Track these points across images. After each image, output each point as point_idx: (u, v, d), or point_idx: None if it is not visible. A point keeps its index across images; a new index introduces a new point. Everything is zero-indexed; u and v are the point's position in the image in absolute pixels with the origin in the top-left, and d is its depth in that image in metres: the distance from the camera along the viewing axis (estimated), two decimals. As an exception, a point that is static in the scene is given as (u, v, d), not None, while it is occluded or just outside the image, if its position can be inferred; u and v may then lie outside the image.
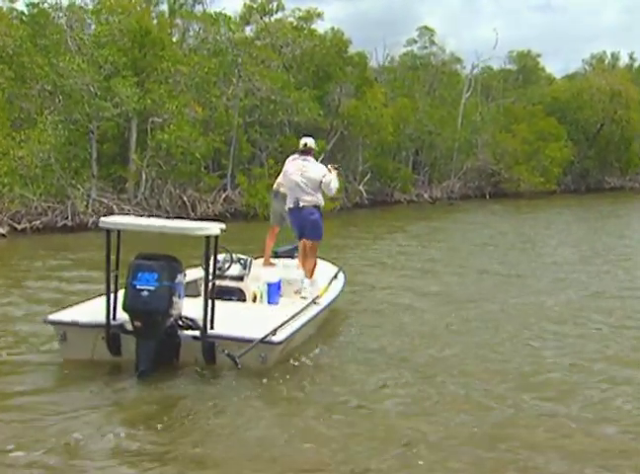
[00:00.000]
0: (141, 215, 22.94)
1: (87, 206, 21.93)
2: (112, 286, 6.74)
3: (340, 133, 30.44)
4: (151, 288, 6.34)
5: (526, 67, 51.73)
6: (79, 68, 21.12)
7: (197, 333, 6.68)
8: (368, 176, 32.84)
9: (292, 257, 10.01)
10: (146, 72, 23.54)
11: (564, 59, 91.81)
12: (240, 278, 8.36)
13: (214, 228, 6.63)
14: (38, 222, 20.79)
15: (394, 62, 41.47)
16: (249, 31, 30.42)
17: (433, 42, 39.94)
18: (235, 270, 8.33)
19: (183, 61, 23.98)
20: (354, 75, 30.73)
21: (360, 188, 32.29)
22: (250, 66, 26.09)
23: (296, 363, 7.28)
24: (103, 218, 6.91)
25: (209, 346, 6.68)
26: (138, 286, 6.37)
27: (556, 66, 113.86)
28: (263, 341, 6.54)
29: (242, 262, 8.45)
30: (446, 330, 9.06)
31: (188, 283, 7.36)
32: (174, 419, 5.92)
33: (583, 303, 10.76)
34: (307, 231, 8.95)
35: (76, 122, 22.00)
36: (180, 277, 6.62)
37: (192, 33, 29.78)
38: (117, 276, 6.78)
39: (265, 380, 6.70)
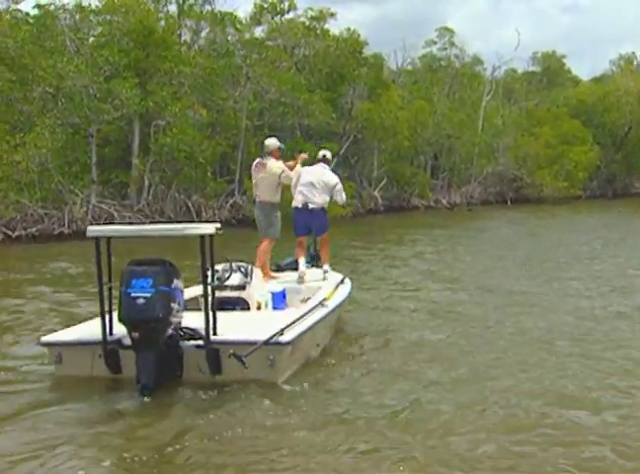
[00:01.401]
0: (143, 222, 22.15)
1: (86, 213, 21.11)
2: (106, 300, 6.38)
3: (353, 137, 29.41)
4: (147, 295, 5.98)
5: (551, 69, 50.41)
6: (77, 69, 20.30)
7: (200, 342, 6.31)
8: (384, 181, 31.80)
9: (296, 269, 9.45)
10: (149, 73, 22.72)
11: (591, 61, 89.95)
12: (242, 287, 7.89)
13: (209, 227, 6.18)
14: (33, 230, 20.00)
15: (413, 64, 40.44)
16: (260, 31, 29.50)
17: (452, 44, 38.84)
18: (236, 279, 7.85)
19: (187, 62, 23.08)
20: (368, 77, 29.70)
21: (375, 193, 31.26)
22: (258, 67, 25.12)
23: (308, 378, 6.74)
24: (90, 227, 6.54)
25: (214, 353, 6.27)
26: (133, 294, 5.98)
27: (583, 68, 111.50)
28: (270, 342, 6.17)
29: (243, 270, 7.96)
30: (455, 347, 8.06)
31: (188, 300, 7.01)
32: (179, 438, 5.46)
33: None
34: (315, 229, 9.46)
35: (75, 126, 21.16)
36: (177, 282, 6.23)
37: (204, 33, 28.91)
38: (110, 289, 6.41)
39: (275, 393, 6.25)
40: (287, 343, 6.34)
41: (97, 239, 6.29)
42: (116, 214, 21.85)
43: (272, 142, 9.35)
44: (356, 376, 6.92)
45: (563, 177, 38.34)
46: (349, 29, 30.77)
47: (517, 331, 8.76)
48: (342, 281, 8.80)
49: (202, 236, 6.14)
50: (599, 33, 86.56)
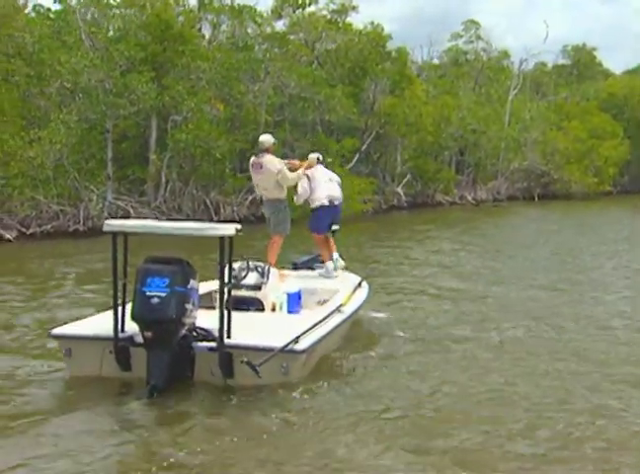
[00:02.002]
0: (160, 220, 21.89)
1: (102, 210, 20.83)
2: (120, 295, 6.29)
3: (376, 133, 28.84)
4: (162, 295, 5.87)
5: (581, 62, 49.34)
6: (91, 64, 20.00)
7: (212, 344, 6.16)
8: (408, 177, 31.23)
9: (312, 268, 9.60)
10: (165, 68, 22.36)
11: (626, 54, 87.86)
12: (258, 288, 7.80)
13: (229, 228, 6.08)
14: (48, 227, 19.76)
15: (440, 59, 39.77)
16: (281, 25, 29.05)
17: (479, 37, 38.08)
18: (252, 278, 7.76)
19: (204, 56, 22.69)
20: (392, 71, 29.12)
21: (399, 189, 30.69)
22: (278, 61, 24.67)
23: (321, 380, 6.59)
24: (107, 221, 6.44)
25: (227, 357, 6.14)
26: (147, 293, 5.88)
27: (618, 62, 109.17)
28: (284, 350, 6.04)
29: (259, 269, 7.86)
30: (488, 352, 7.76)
31: (202, 295, 6.84)
32: (188, 439, 5.36)
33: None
34: (337, 223, 9.80)
35: (91, 121, 20.89)
36: (193, 283, 6.12)
37: (223, 27, 28.51)
38: (124, 285, 6.30)
39: (287, 397, 6.13)
40: (302, 351, 6.21)
41: (114, 234, 6.17)
42: (132, 211, 21.52)
43: (266, 139, 9.24)
44: (369, 375, 6.74)
45: (592, 172, 37.51)
46: (372, 22, 30.31)
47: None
48: (359, 285, 8.58)
49: (222, 237, 6.02)
50: (634, 25, 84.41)
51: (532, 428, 5.58)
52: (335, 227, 9.89)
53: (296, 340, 6.18)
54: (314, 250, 10.27)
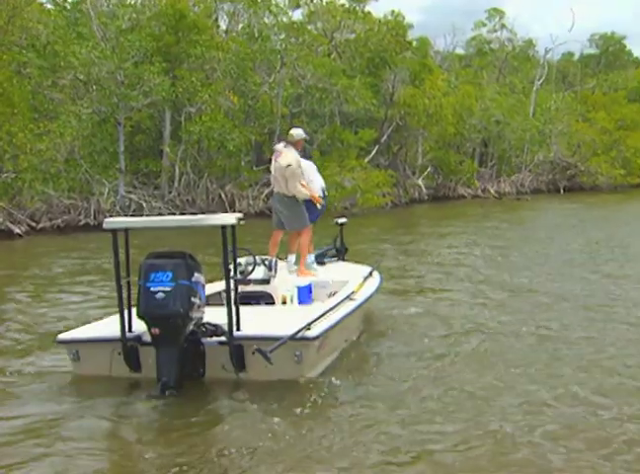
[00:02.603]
0: (173, 213, 21.51)
1: (114, 203, 20.50)
2: (125, 294, 6.18)
3: (396, 124, 28.23)
4: (166, 289, 5.74)
5: (609, 51, 48.18)
6: (102, 55, 19.63)
7: (222, 338, 6.02)
8: (429, 169, 30.59)
9: (323, 262, 9.27)
10: (179, 59, 21.94)
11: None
12: (266, 281, 7.70)
13: (230, 218, 5.92)
14: (59, 221, 19.46)
15: (466, 49, 38.95)
16: (298, 14, 28.52)
17: (503, 26, 37.22)
18: (260, 272, 7.64)
19: (219, 47, 22.23)
20: (412, 61, 28.48)
21: (419, 182, 30.07)
22: (294, 52, 24.15)
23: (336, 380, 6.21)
24: (107, 219, 6.28)
25: (238, 349, 5.99)
26: (152, 288, 5.75)
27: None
28: (296, 336, 5.87)
29: (267, 263, 7.76)
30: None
31: (212, 295, 6.82)
32: (200, 437, 5.19)
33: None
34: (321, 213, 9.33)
35: (103, 113, 20.55)
36: (197, 276, 5.93)
37: (240, 18, 28.04)
38: (128, 283, 6.20)
39: (302, 396, 5.81)
40: (315, 337, 6.02)
41: (114, 231, 6.04)
42: (145, 205, 21.19)
43: (296, 132, 8.89)
44: (386, 372, 6.45)
45: (620, 164, 36.54)
46: (393, 11, 29.70)
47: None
48: (370, 274, 8.33)
49: (224, 227, 5.85)
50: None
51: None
52: (343, 220, 9.68)
53: (308, 326, 6.02)
54: (323, 244, 9.98)
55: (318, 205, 8.94)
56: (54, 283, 11.75)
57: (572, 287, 10.37)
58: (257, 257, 7.67)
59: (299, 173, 8.66)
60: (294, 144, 8.75)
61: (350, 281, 7.91)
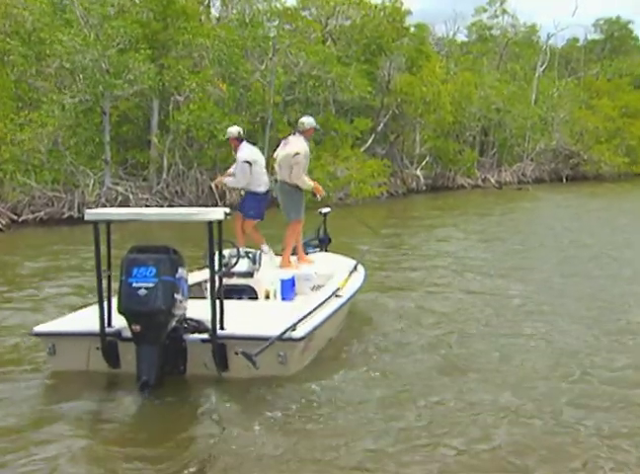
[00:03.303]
0: (161, 205, 20.99)
1: (99, 195, 19.94)
2: (104, 288, 6.04)
3: (392, 112, 27.57)
4: (149, 285, 5.61)
5: (615, 36, 47.28)
6: (84, 42, 19.01)
7: (205, 335, 5.91)
8: (427, 159, 29.93)
9: (306, 253, 9.08)
10: (166, 46, 21.31)
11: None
12: (250, 275, 7.59)
13: (217, 212, 5.77)
14: (42, 213, 18.92)
15: (469, 35, 38.15)
16: (292, 0, 27.83)
17: (504, 11, 36.44)
18: (243, 265, 7.56)
19: (207, 34, 21.57)
20: (409, 48, 27.79)
21: (417, 172, 29.42)
22: (286, 38, 23.49)
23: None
24: (88, 210, 6.14)
25: (221, 348, 5.90)
26: (134, 284, 5.62)
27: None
28: (282, 337, 5.77)
29: (250, 256, 7.68)
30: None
31: (192, 286, 6.66)
32: (183, 440, 5.06)
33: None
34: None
35: (87, 102, 19.94)
36: (181, 272, 5.81)
37: (234, 4, 27.33)
38: (109, 277, 6.07)
39: (286, 389, 5.81)
40: (300, 339, 5.94)
41: (95, 223, 5.90)
42: (131, 197, 20.60)
43: (306, 120, 8.76)
44: (370, 369, 6.33)
45: (624, 152, 35.84)
46: (391, -4, 28.94)
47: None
48: (355, 268, 8.15)
49: (210, 222, 5.73)
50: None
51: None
52: (326, 210, 9.61)
53: (294, 327, 5.90)
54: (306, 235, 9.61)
55: (318, 197, 8.88)
56: (33, 277, 11.36)
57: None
58: (241, 249, 7.59)
59: (305, 163, 8.57)
60: (304, 133, 8.61)
61: (334, 275, 7.77)
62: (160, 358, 5.77)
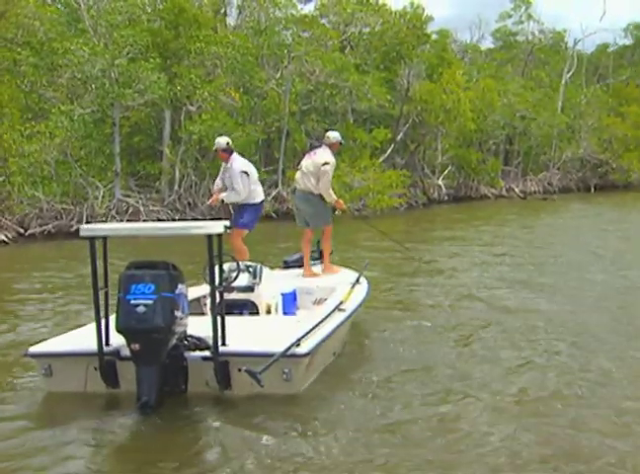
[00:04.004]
0: (173, 218, 20.55)
1: (108, 208, 19.53)
2: (102, 306, 5.88)
3: (412, 121, 26.90)
4: (148, 302, 5.46)
5: (645, 41, 46.14)
6: (93, 52, 18.65)
7: (206, 352, 5.76)
8: (449, 168, 29.20)
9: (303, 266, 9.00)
10: (178, 55, 20.89)
11: None
12: (250, 289, 7.41)
13: (217, 226, 5.61)
14: (49, 226, 18.54)
15: (493, 43, 37.36)
16: (308, 8, 27.35)
17: (530, 16, 35.56)
18: (244, 279, 7.35)
19: (220, 42, 21.12)
20: (429, 55, 27.15)
21: (439, 182, 28.69)
22: (301, 46, 22.97)
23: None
24: (83, 226, 6.01)
25: (223, 366, 5.75)
26: (132, 301, 5.47)
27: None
28: (286, 354, 5.61)
29: (251, 270, 7.47)
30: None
31: (192, 301, 6.45)
32: (185, 462, 4.86)
33: None
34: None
35: (96, 113, 19.59)
36: (181, 288, 5.65)
37: (249, 11, 26.90)
38: (106, 293, 5.90)
39: (292, 407, 5.61)
40: (305, 354, 5.79)
41: (91, 239, 5.73)
42: (142, 209, 20.18)
43: (333, 135, 9.04)
44: (374, 385, 6.11)
45: (654, 161, 34.77)
46: (412, 2, 28.34)
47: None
48: (357, 281, 7.94)
49: (210, 236, 5.59)
50: None
51: None
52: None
53: (298, 342, 5.75)
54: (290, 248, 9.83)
55: (338, 212, 9.11)
56: (33, 293, 10.92)
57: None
58: (241, 263, 7.39)
59: (330, 177, 8.73)
60: (330, 146, 8.84)
61: (337, 288, 7.63)
62: (160, 378, 5.62)
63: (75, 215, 19.15)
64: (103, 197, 19.65)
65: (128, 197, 20.52)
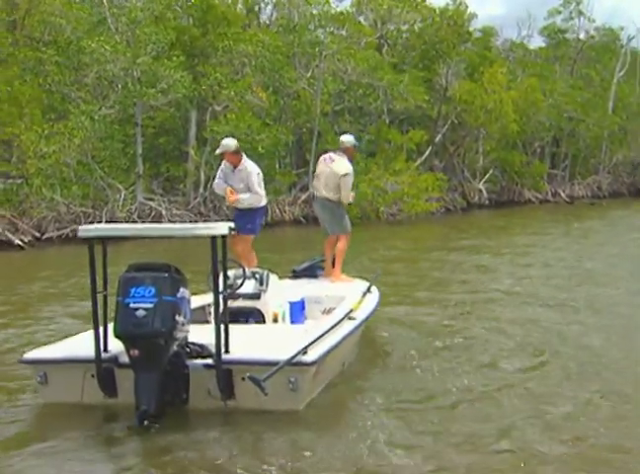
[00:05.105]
0: (196, 221, 19.84)
1: (129, 211, 18.92)
2: (100, 310, 5.76)
3: (451, 122, 25.78)
4: (148, 306, 5.30)
5: None
6: (114, 49, 18.04)
7: (209, 360, 5.57)
8: (491, 172, 27.97)
9: (315, 275, 8.82)
10: (205, 53, 20.19)
11: None
12: (256, 297, 7.14)
13: (221, 227, 5.51)
14: (67, 230, 17.96)
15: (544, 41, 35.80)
16: (344, 5, 26.45)
17: (580, 13, 34.03)
18: (249, 286, 7.07)
19: (250, 39, 20.35)
20: (471, 53, 26.01)
21: (480, 186, 27.48)
22: (334, 44, 22.07)
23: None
24: (82, 227, 5.82)
25: (226, 374, 5.55)
26: (132, 305, 5.31)
27: None
28: (292, 361, 5.41)
29: (257, 276, 7.20)
30: None
31: (196, 309, 6.37)
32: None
33: None
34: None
35: (118, 113, 19.01)
36: (183, 291, 5.48)
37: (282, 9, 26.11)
38: (105, 297, 5.77)
39: (295, 420, 5.39)
40: (312, 363, 5.57)
41: (90, 240, 5.59)
42: (164, 212, 19.54)
43: (347, 139, 8.90)
44: (386, 398, 5.84)
45: None
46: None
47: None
48: (368, 290, 7.73)
49: (214, 237, 5.43)
50: None
51: None
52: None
53: (305, 350, 5.52)
54: (315, 255, 9.35)
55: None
56: (36, 300, 10.56)
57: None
58: (247, 269, 7.11)
59: (350, 184, 8.69)
60: (345, 151, 8.70)
61: (346, 297, 7.43)
62: (160, 386, 5.45)
63: (95, 219, 18.57)
64: (124, 199, 19.05)
65: (151, 199, 19.90)
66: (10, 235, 16.83)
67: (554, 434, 5.13)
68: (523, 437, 5.06)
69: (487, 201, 27.61)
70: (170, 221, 19.45)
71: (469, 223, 22.81)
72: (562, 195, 30.48)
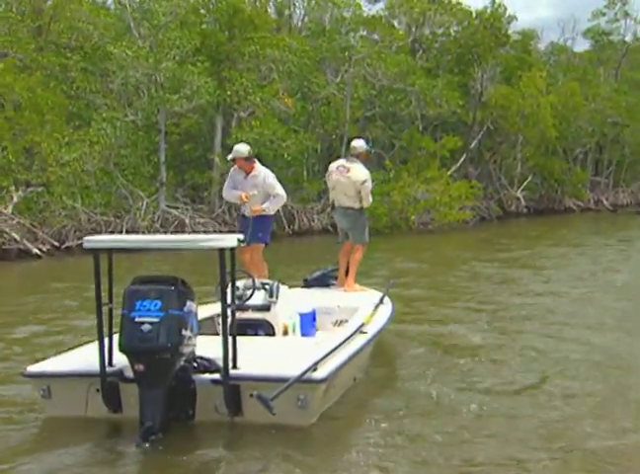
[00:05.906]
0: (220, 231, 19.39)
1: (152, 219, 18.52)
2: (105, 323, 5.67)
3: (487, 128, 24.92)
4: (153, 320, 5.16)
5: None
6: (136, 55, 17.68)
7: (216, 375, 5.45)
8: (529, 179, 27.01)
9: (327, 285, 8.68)
10: (231, 58, 19.73)
11: None
12: (266, 308, 6.99)
13: (229, 239, 5.36)
14: (88, 239, 17.61)
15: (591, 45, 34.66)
16: (376, 8, 25.82)
17: (626, 14, 32.84)
18: (259, 298, 6.91)
19: (277, 45, 19.84)
20: (508, 56, 25.14)
21: (518, 194, 26.54)
22: (364, 48, 21.44)
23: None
24: (87, 237, 5.63)
25: (233, 390, 5.42)
26: (137, 319, 5.17)
27: None
28: (301, 379, 5.22)
29: (267, 288, 7.07)
30: None
31: (203, 320, 6.19)
32: None
33: None
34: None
35: (141, 120, 18.66)
36: (190, 305, 5.33)
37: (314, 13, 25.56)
38: (111, 310, 5.66)
39: (303, 438, 5.23)
40: (323, 380, 5.44)
41: (95, 251, 5.48)
42: (187, 221, 19.12)
43: (359, 144, 8.62)
44: (397, 415, 5.65)
45: None
46: (494, 1, 26.35)
47: None
48: (381, 302, 7.54)
49: (222, 249, 5.34)
50: None
51: None
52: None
53: (315, 367, 5.39)
54: (328, 264, 9.17)
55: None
56: (43, 311, 10.16)
57: None
58: (257, 280, 6.94)
59: (370, 186, 8.56)
60: (358, 156, 8.43)
61: (359, 309, 7.27)
62: (166, 402, 5.36)
63: (116, 228, 18.22)
64: (147, 208, 18.66)
65: (175, 208, 19.48)
66: (28, 244, 16.54)
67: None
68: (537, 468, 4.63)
69: (525, 209, 26.67)
70: (193, 230, 19.05)
71: (504, 232, 21.95)
72: (605, 202, 29.38)
